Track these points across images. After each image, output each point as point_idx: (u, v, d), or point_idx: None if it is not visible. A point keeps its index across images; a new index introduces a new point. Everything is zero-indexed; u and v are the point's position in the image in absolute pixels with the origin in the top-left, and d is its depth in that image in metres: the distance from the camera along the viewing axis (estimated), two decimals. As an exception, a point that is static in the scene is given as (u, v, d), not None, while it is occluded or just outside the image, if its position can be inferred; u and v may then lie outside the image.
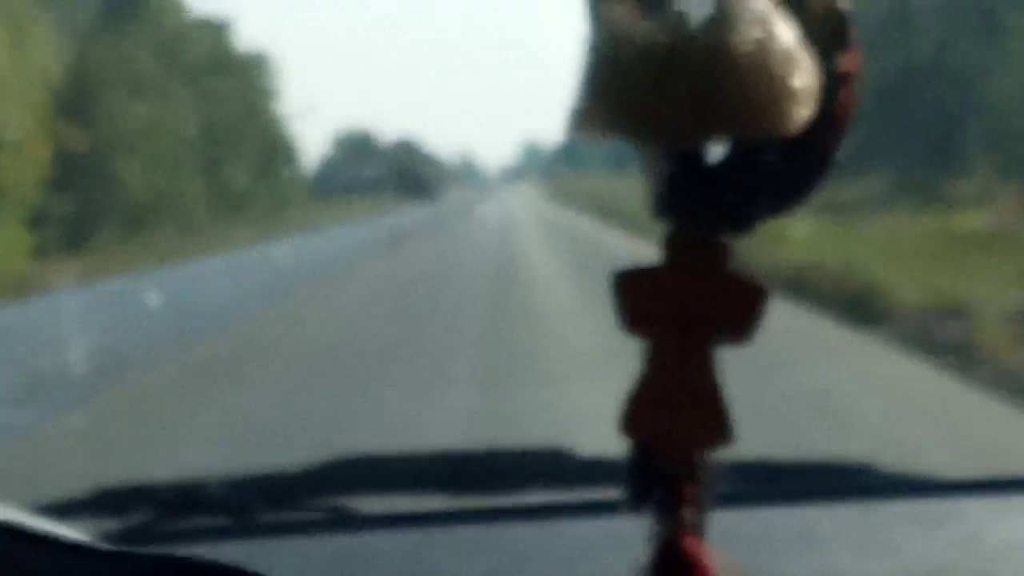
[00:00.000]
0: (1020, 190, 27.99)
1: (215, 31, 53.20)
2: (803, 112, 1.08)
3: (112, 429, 9.66)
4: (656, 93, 1.06)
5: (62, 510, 2.25)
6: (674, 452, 1.13)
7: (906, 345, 13.07)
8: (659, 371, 1.13)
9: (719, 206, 1.12)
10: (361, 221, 56.24)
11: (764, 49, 1.06)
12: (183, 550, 2.04)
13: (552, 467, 2.42)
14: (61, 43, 40.35)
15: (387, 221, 54.32)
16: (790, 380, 9.95)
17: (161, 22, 47.74)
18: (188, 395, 10.89)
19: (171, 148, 42.90)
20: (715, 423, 1.13)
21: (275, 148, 56.99)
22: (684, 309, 1.12)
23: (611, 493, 2.07)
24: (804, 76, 1.07)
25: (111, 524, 2.25)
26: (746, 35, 1.06)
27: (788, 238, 20.24)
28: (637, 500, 1.15)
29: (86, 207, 38.03)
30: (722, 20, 1.06)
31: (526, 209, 65.20)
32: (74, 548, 0.86)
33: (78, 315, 18.87)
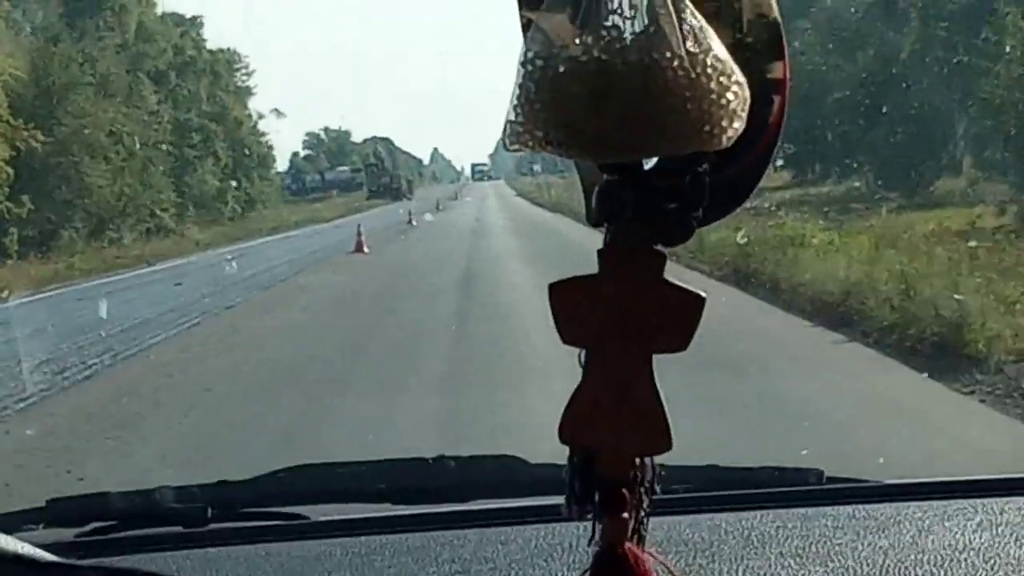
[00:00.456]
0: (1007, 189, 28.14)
1: (184, 28, 52.92)
2: (736, 126, 1.11)
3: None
4: (590, 109, 1.09)
5: (15, 520, 2.29)
6: (613, 459, 1.17)
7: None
8: (597, 379, 1.17)
9: (654, 216, 1.15)
10: (330, 222, 54.29)
11: (696, 63, 1.09)
12: (136, 559, 2.08)
13: (502, 474, 2.47)
14: (19, 43, 40.06)
15: (355, 221, 53.24)
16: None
17: (126, 20, 47.41)
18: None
19: (138, 149, 42.62)
20: (654, 430, 1.17)
21: (246, 148, 56.84)
22: (621, 318, 1.15)
23: (559, 499, 2.10)
24: (737, 90, 1.11)
25: (65, 534, 2.31)
26: (679, 50, 1.09)
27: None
28: (578, 506, 1.19)
29: (49, 210, 37.79)
30: (655, 35, 1.10)
31: (496, 207, 63.84)
32: (18, 559, 0.89)
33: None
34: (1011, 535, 2.00)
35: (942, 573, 1.86)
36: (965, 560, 1.90)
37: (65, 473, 8.74)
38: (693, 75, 1.09)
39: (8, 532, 1.35)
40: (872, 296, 14.19)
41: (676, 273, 1.15)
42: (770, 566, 1.89)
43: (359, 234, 32.53)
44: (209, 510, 2.30)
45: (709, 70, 1.09)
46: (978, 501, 2.19)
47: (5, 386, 12.57)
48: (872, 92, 34.21)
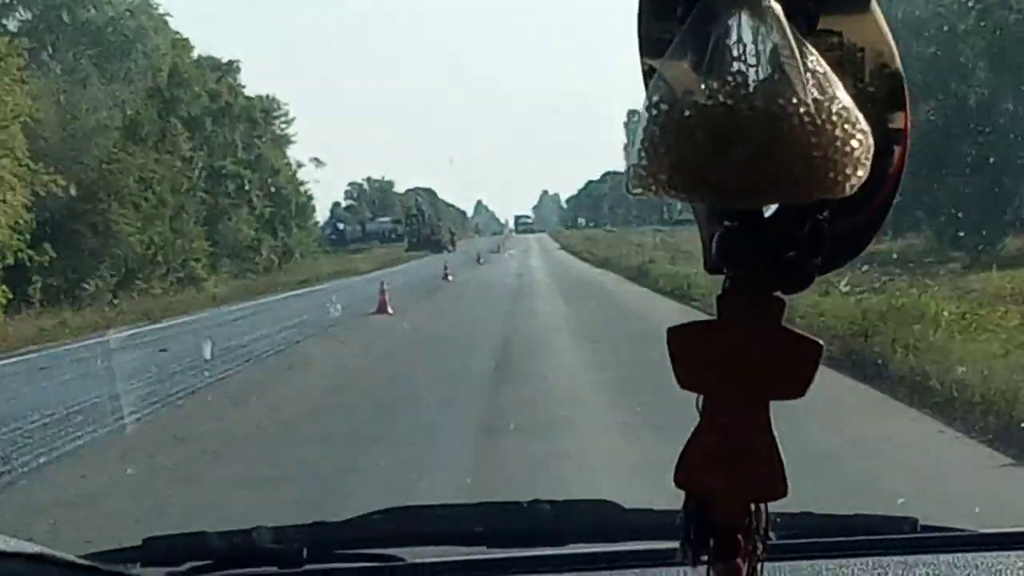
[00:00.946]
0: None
1: (220, 74, 53.20)
2: (860, 174, 1.16)
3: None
4: (715, 154, 1.14)
5: (113, 558, 2.36)
6: (730, 506, 1.22)
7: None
8: (714, 426, 1.22)
9: (773, 263, 1.21)
10: (363, 275, 53.29)
11: (822, 110, 1.15)
12: None
13: (596, 519, 2.54)
14: (47, 85, 40.21)
15: (389, 274, 52.07)
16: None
17: (158, 63, 47.68)
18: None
19: (169, 197, 42.72)
20: (769, 476, 1.22)
21: (284, 198, 57.13)
22: (739, 364, 1.21)
23: (655, 544, 2.18)
24: (861, 137, 1.16)
25: (159, 573, 2.39)
26: (805, 97, 1.15)
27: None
28: (693, 551, 1.24)
29: (74, 259, 37.81)
30: (781, 82, 1.15)
31: (540, 262, 62.93)
32: None
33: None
34: None
35: None
36: None
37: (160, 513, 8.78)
38: (819, 122, 1.14)
39: (112, 568, 1.41)
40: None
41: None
42: None
43: (382, 292, 29.77)
44: (305, 551, 2.37)
45: (834, 117, 1.14)
46: None
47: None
48: (935, 143, 34.11)
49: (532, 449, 10.49)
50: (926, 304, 18.33)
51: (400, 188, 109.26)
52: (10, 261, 33.84)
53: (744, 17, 1.16)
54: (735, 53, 1.16)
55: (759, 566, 1.24)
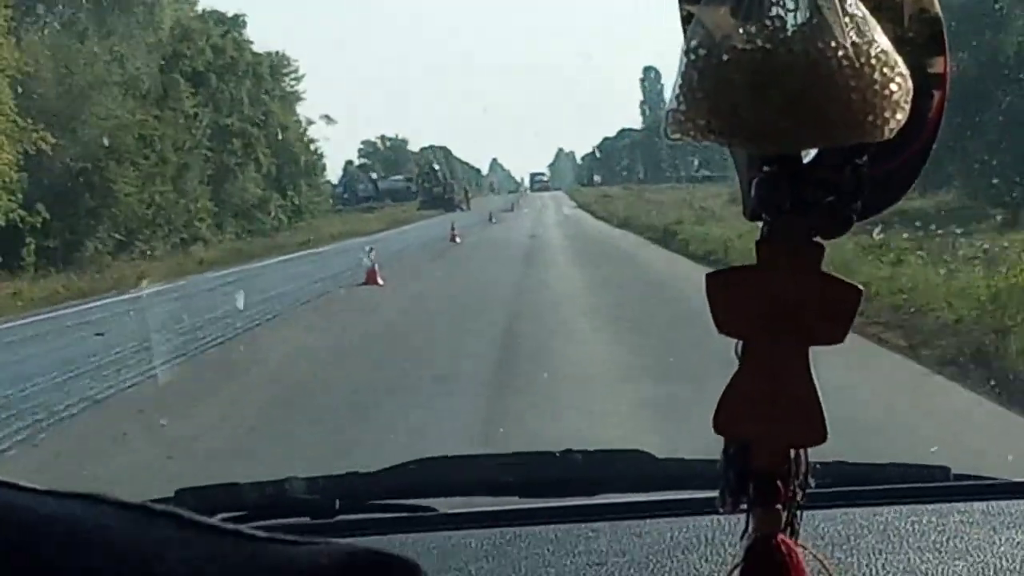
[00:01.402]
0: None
1: (225, 28, 53.12)
2: (899, 117, 1.21)
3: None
4: (754, 98, 1.19)
5: None
6: (770, 451, 1.27)
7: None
8: (754, 371, 1.26)
9: (812, 208, 1.25)
10: (370, 235, 51.82)
11: (861, 54, 1.19)
12: None
13: (630, 468, 2.61)
14: (42, 39, 40.06)
15: (395, 234, 50.50)
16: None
17: (160, 16, 47.52)
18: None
19: (171, 155, 42.65)
20: (810, 422, 1.26)
21: (292, 156, 57.21)
22: (778, 310, 1.25)
23: (689, 494, 2.25)
24: (900, 81, 1.20)
25: (226, 525, 2.44)
26: (843, 40, 1.19)
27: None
28: (733, 497, 1.29)
29: (71, 220, 37.68)
30: (819, 25, 1.19)
31: (555, 222, 61.64)
32: (238, 534, 1.01)
33: None
34: None
35: None
36: None
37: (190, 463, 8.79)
38: (857, 65, 1.18)
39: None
40: None
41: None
42: (910, 561, 2.02)
43: (371, 260, 26.85)
44: (337, 502, 2.44)
45: (873, 61, 1.19)
46: None
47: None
48: (968, 95, 33.88)
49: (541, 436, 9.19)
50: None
51: (414, 147, 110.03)
52: (0, 222, 33.62)
53: (783, -39, 1.20)
54: (774, -2, 1.20)
55: (798, 512, 1.29)
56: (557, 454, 2.64)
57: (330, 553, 0.99)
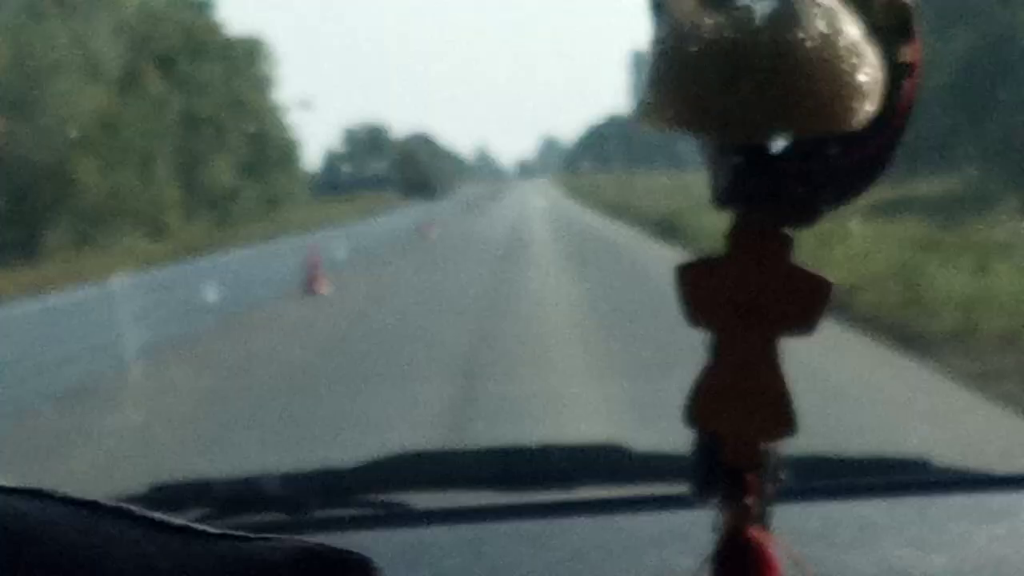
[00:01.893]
0: None
1: (195, 9, 53.06)
2: (868, 107, 1.25)
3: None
4: (722, 88, 1.23)
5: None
6: (739, 443, 1.32)
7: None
8: (723, 363, 1.31)
9: (782, 198, 1.30)
10: (345, 224, 50.68)
11: (830, 44, 1.23)
12: None
13: (606, 462, 2.68)
14: None
15: (369, 224, 49.26)
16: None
17: (123, -2, 47.34)
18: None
19: (136, 141, 42.51)
20: (779, 415, 1.31)
21: (267, 143, 57.18)
22: (748, 300, 1.30)
23: (667, 488, 2.31)
24: (870, 70, 1.25)
25: (176, 521, 2.51)
26: (812, 30, 1.23)
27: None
28: (703, 491, 1.34)
29: (29, 210, 37.47)
30: (788, 14, 1.24)
31: (541, 211, 60.72)
32: (188, 530, 1.05)
33: None
34: None
35: None
36: None
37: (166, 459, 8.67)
38: (826, 54, 1.22)
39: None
40: None
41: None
42: (887, 555, 2.07)
43: (312, 263, 23.18)
44: (312, 497, 2.51)
45: (842, 50, 1.23)
46: None
47: None
48: (979, 75, 33.81)
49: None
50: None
51: (397, 134, 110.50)
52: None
53: (751, -51, 1.24)
54: (742, -13, 1.24)
55: (770, 506, 1.34)
56: (533, 448, 2.71)
57: (283, 549, 1.02)
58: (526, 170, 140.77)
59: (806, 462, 2.50)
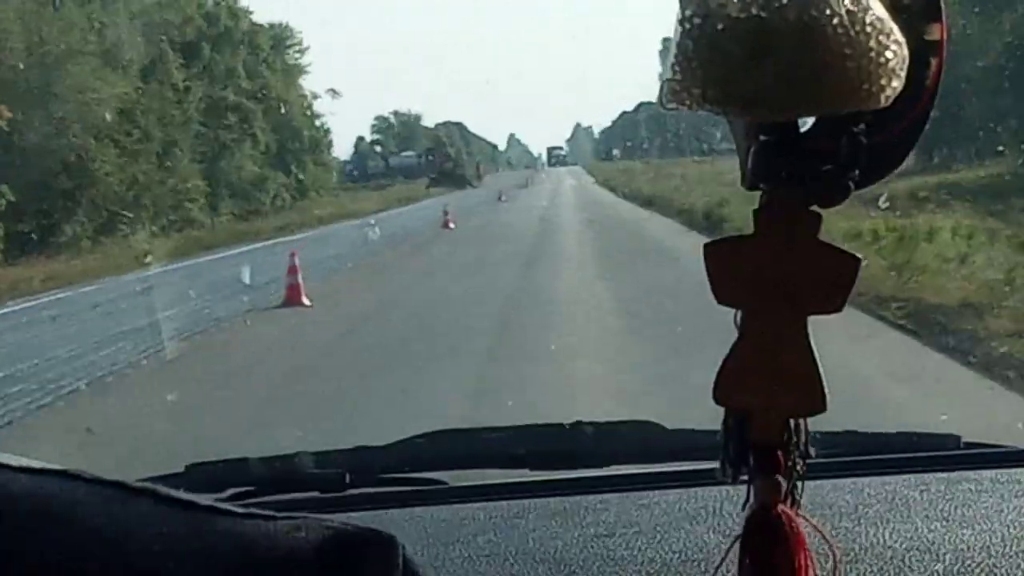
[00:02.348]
0: None
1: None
2: (895, 85, 1.29)
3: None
4: (748, 67, 1.27)
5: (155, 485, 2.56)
6: (769, 421, 1.36)
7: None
8: (753, 341, 1.36)
9: (810, 177, 1.34)
10: (362, 217, 48.23)
11: (856, 22, 1.27)
12: None
13: (638, 439, 2.74)
14: (10, 5, 39.57)
15: (393, 216, 47.86)
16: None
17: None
18: None
19: (155, 131, 42.41)
20: (809, 392, 1.35)
21: (294, 132, 57.19)
22: (776, 279, 1.35)
23: (698, 464, 2.37)
24: (896, 48, 1.29)
25: (202, 500, 2.58)
26: (838, 7, 1.27)
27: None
28: (733, 468, 1.38)
29: (45, 202, 37.25)
30: None
31: (572, 201, 59.73)
32: (214, 510, 1.09)
33: None
34: None
35: None
36: None
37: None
38: (852, 32, 1.26)
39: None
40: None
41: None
42: (917, 529, 2.13)
43: (292, 269, 20.78)
44: (347, 475, 2.57)
45: (868, 28, 1.27)
46: None
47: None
48: (1021, 59, 33.62)
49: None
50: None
51: (429, 122, 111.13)
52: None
53: (777, -71, 1.29)
54: (768, -35, 1.28)
55: (799, 483, 1.39)
56: (567, 425, 2.77)
57: (308, 527, 1.06)
58: (558, 158, 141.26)
59: (838, 438, 2.56)
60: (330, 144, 68.40)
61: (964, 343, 13.01)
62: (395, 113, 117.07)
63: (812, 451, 1.39)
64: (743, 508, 1.39)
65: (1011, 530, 2.14)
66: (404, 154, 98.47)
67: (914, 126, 1.37)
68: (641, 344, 15.13)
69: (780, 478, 1.37)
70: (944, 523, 2.18)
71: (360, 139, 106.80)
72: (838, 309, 1.35)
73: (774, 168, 1.35)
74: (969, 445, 2.67)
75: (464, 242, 33.07)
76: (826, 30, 1.27)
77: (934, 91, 1.36)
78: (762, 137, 1.35)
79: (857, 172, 1.35)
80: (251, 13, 57.06)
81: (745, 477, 1.38)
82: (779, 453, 1.37)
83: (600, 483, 2.54)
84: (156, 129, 42.43)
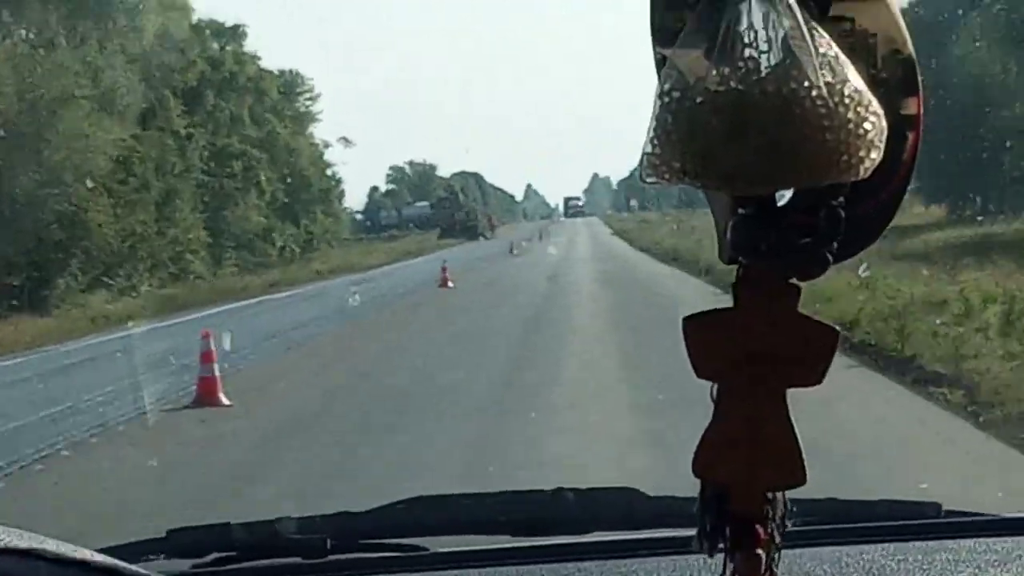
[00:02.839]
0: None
1: (224, 39, 52.77)
2: (874, 156, 1.34)
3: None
4: (727, 140, 1.32)
5: (137, 550, 2.63)
6: (747, 494, 1.41)
7: None
8: (731, 414, 1.40)
9: (789, 249, 1.39)
10: (359, 273, 47.91)
11: (834, 93, 1.32)
12: None
13: (621, 506, 2.79)
14: (5, 48, 39.17)
15: (395, 271, 46.69)
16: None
17: (142, 24, 46.95)
18: None
19: (153, 179, 42.21)
20: (789, 465, 1.40)
21: (303, 181, 56.99)
22: (755, 352, 1.39)
23: (680, 532, 2.42)
24: (874, 120, 1.34)
25: (185, 565, 2.66)
26: (817, 81, 1.32)
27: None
28: (710, 540, 1.42)
29: (36, 254, 36.60)
30: (792, 66, 1.33)
31: (587, 255, 58.22)
32: None
33: None
34: None
35: None
36: None
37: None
38: (831, 104, 1.31)
39: (129, 562, 1.63)
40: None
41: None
42: None
43: (206, 355, 16.37)
44: (328, 541, 2.62)
45: (847, 100, 1.31)
46: None
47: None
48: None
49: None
50: None
51: (445, 172, 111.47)
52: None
53: (755, 3, 1.33)
54: (746, 39, 1.33)
55: (777, 556, 1.44)
56: (549, 492, 2.82)
57: None
58: (575, 208, 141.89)
59: (818, 506, 2.62)
60: (341, 194, 68.51)
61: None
62: (410, 163, 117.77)
63: (789, 524, 1.44)
64: None
65: None
66: (418, 204, 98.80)
67: (892, 199, 1.42)
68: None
69: (760, 551, 1.41)
70: None
71: (374, 189, 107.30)
72: (818, 381, 1.39)
73: (753, 241, 1.39)
74: (950, 513, 2.72)
75: (460, 307, 30.09)
76: (805, 102, 1.32)
77: (911, 164, 1.41)
78: (740, 210, 1.39)
79: (835, 245, 1.40)
80: (258, 59, 56.94)
81: (723, 549, 1.42)
82: (758, 527, 1.41)
83: (582, 550, 2.59)
84: (155, 178, 42.07)
